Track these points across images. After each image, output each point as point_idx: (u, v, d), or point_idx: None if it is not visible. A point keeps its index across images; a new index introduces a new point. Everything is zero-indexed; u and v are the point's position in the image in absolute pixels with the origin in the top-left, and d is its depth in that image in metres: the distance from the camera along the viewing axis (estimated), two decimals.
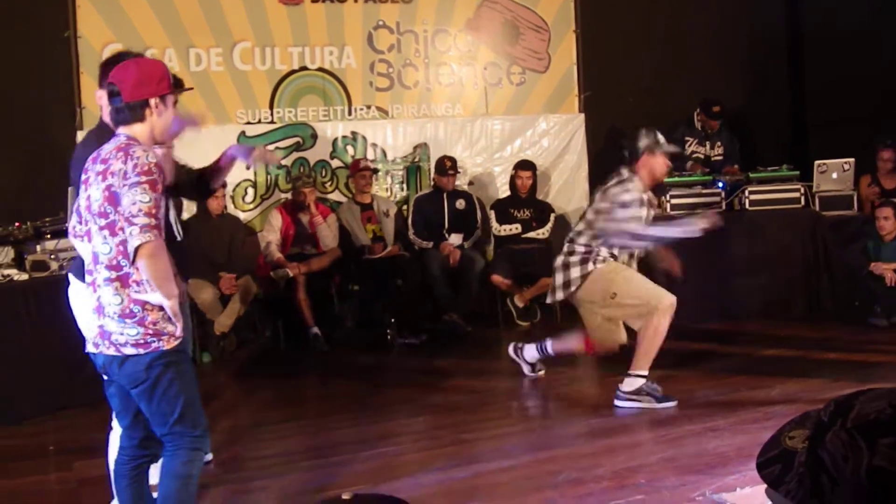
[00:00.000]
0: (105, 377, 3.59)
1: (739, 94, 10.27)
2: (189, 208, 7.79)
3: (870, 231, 8.13)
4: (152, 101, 3.50)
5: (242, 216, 8.81)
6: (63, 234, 6.69)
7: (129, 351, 3.40)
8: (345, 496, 2.75)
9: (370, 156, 9.24)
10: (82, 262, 3.76)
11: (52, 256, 6.48)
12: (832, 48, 9.99)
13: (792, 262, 8.62)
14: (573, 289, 5.96)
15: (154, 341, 3.40)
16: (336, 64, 9.25)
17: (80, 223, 3.58)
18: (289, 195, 8.77)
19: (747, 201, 8.67)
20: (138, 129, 3.50)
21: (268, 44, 9.00)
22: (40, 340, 6.20)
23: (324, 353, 8.01)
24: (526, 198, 9.16)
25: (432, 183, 9.21)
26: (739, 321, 8.32)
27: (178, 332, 3.47)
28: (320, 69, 9.18)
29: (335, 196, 9.19)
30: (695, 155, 9.44)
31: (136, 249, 3.30)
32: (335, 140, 9.22)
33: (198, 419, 3.58)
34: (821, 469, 1.33)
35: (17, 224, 6.70)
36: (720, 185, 8.77)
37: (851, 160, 8.67)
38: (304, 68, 9.14)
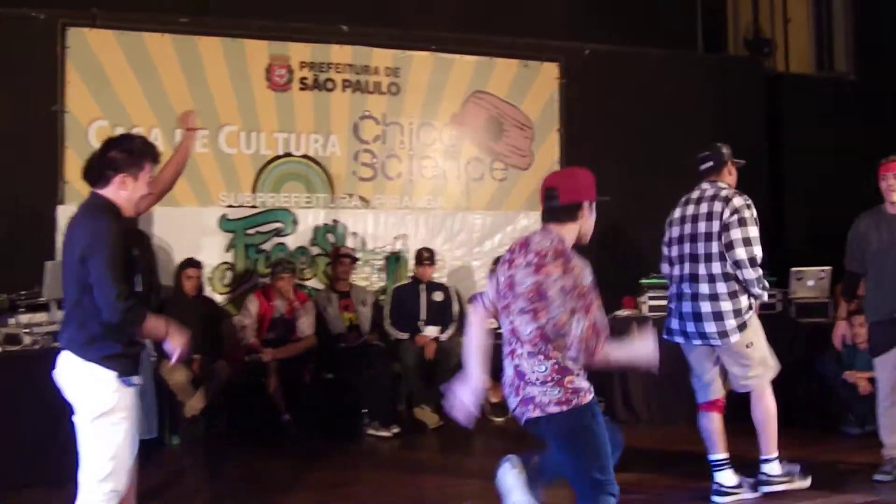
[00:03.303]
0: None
1: None
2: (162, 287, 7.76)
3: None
4: (585, 204, 4.11)
5: (219, 299, 8.78)
6: (38, 307, 6.65)
7: (553, 409, 3.91)
8: None
9: (350, 244, 9.26)
10: (76, 333, 3.86)
11: (26, 330, 6.40)
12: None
13: None
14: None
15: (574, 398, 3.91)
16: (321, 151, 9.33)
17: (497, 296, 4.26)
18: (267, 280, 8.75)
19: None
20: (569, 228, 4.08)
21: (254, 128, 9.08)
22: (8, 415, 6.09)
23: (294, 440, 7.92)
24: None
25: (411, 274, 9.22)
26: None
27: (589, 387, 3.97)
28: (305, 156, 9.25)
29: (314, 283, 9.18)
30: None
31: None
32: (316, 227, 9.25)
33: (610, 468, 3.95)
34: None
35: None
36: None
37: (828, 268, 8.74)
38: (288, 154, 9.21)
